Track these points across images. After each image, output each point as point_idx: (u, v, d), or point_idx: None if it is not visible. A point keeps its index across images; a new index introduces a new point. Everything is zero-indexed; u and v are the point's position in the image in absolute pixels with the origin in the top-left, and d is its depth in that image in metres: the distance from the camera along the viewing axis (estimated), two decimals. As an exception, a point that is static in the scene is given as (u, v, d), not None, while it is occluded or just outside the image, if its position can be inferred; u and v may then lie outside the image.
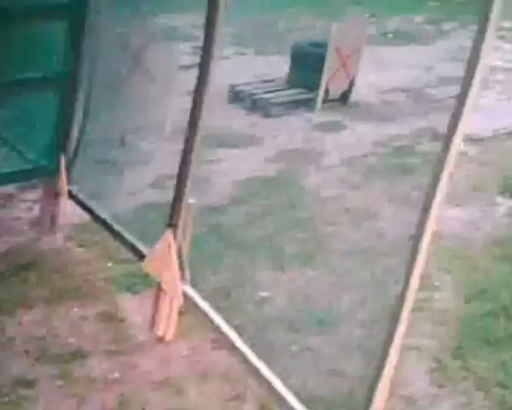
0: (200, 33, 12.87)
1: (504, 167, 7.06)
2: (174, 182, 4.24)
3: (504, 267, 5.18)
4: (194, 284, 4.16)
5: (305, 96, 9.00)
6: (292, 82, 9.30)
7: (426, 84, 10.31)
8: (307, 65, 9.00)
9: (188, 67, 10.88)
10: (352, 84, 9.16)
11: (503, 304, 4.75)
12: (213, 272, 4.97)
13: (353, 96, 9.46)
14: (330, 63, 8.77)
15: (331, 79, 8.87)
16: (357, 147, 7.70)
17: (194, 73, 10.13)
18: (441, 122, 7.92)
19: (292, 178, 6.85)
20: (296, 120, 8.67)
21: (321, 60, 8.75)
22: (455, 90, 8.06)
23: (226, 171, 7.07)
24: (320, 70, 8.73)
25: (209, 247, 5.20)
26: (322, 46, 8.91)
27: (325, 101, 9.08)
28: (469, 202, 6.28)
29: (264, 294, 4.83)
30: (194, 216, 4.05)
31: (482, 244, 5.53)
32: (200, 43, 13.06)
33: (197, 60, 11.43)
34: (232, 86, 9.32)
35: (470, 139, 7.83)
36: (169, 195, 4.29)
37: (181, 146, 7.47)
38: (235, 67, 11.08)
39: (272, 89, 9.22)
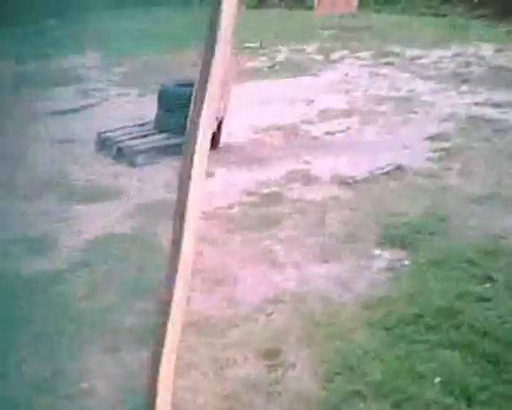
0: (91, 74, 12.18)
1: (382, 213, 6.50)
2: None
3: (376, 337, 4.51)
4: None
5: (172, 142, 8.43)
6: (160, 126, 8.74)
7: (304, 120, 9.96)
8: (174, 107, 8.44)
9: (61, 113, 10.41)
10: (220, 125, 8.67)
11: (374, 382, 4.06)
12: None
13: (226, 139, 9.00)
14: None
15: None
16: (223, 197, 7.18)
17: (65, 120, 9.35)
18: (315, 164, 7.60)
19: (146, 235, 6.24)
20: (162, 168, 8.10)
21: (188, 101, 8.17)
22: (332, 125, 7.72)
23: (78, 229, 6.43)
24: (188, 111, 8.17)
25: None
26: (189, 85, 8.36)
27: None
28: (341, 257, 5.69)
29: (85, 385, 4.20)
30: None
31: (352, 308, 4.90)
32: (89, 86, 12.34)
33: (79, 103, 10.68)
34: (99, 133, 8.70)
35: (343, 182, 7.46)
36: None
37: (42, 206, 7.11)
38: (113, 110, 10.50)
39: (140, 134, 8.65)
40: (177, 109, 8.29)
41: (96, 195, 7.34)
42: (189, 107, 7.97)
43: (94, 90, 11.92)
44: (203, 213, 6.73)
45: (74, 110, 10.57)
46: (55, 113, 10.44)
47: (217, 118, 8.52)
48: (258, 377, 4.19)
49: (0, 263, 5.76)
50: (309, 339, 4.56)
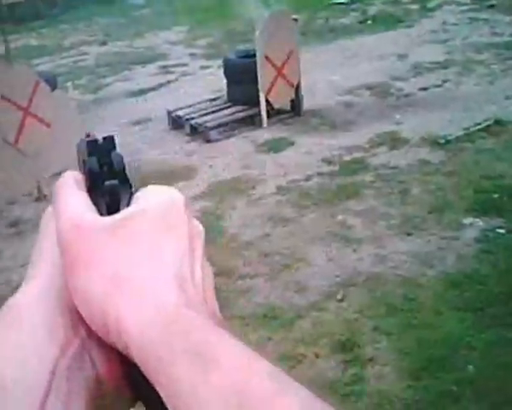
0: (174, 50, 11.96)
1: (476, 176, 5.67)
2: None
3: (465, 321, 3.77)
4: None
5: (246, 114, 7.89)
6: (232, 99, 8.20)
7: (395, 77, 9.12)
8: (242, 79, 7.88)
9: (140, 92, 10.13)
10: (298, 91, 8.02)
11: (467, 379, 3.38)
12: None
13: (310, 103, 8.36)
14: (263, 74, 7.63)
15: (270, 91, 7.75)
16: (301, 168, 6.57)
17: (144, 99, 9.01)
18: (405, 124, 6.82)
19: (214, 219, 5.75)
20: (238, 141, 7.59)
21: (254, 72, 7.62)
22: (426, 80, 6.89)
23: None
24: (256, 83, 7.61)
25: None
26: (251, 56, 7.79)
27: (272, 115, 8.00)
28: (426, 228, 4.98)
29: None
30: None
31: (437, 288, 4.18)
32: (170, 61, 12.15)
33: (159, 81, 10.36)
34: (173, 111, 8.29)
35: (434, 143, 6.65)
36: None
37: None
38: (192, 85, 10.09)
39: (212, 109, 8.14)
40: (246, 81, 7.76)
41: (168, 175, 6.91)
42: (256, 78, 7.47)
43: (175, 65, 11.54)
44: (277, 187, 6.18)
45: (153, 89, 10.23)
46: (133, 93, 10.16)
47: (292, 85, 7.91)
48: (332, 375, 3.61)
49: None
50: (387, 327, 3.91)
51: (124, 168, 0.52)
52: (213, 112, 8.03)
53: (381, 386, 3.49)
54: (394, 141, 6.93)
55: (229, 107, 8.09)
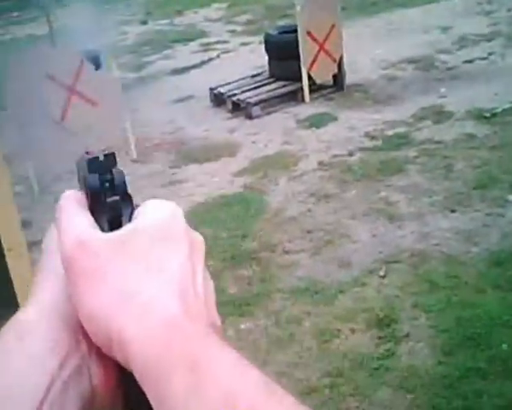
0: (214, 27, 11.95)
1: None
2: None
3: (507, 301, 3.73)
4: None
5: (288, 89, 7.88)
6: (274, 75, 8.18)
7: (440, 50, 8.98)
8: (284, 55, 7.85)
9: (182, 70, 10.17)
10: (340, 65, 7.97)
11: (499, 357, 3.36)
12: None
13: (353, 77, 8.31)
14: (305, 49, 7.59)
15: (312, 66, 7.71)
16: (344, 143, 6.54)
17: (186, 77, 9.05)
18: (449, 97, 6.73)
19: (258, 194, 5.78)
20: (281, 117, 7.59)
21: (295, 47, 7.59)
22: (471, 52, 6.77)
23: (188, 192, 6.09)
24: (298, 58, 7.58)
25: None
26: (293, 31, 7.74)
27: (315, 90, 7.97)
28: (470, 205, 4.92)
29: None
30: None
31: (480, 266, 4.14)
32: (211, 39, 12.13)
33: (200, 58, 10.33)
34: (214, 88, 8.32)
35: (480, 116, 6.54)
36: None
37: (154, 169, 6.90)
38: (233, 62, 10.09)
39: (254, 85, 8.14)
40: (287, 57, 7.73)
41: (211, 151, 6.97)
42: (298, 53, 7.44)
43: (216, 42, 11.56)
44: (319, 163, 6.17)
45: (194, 66, 10.27)
46: (175, 70, 10.21)
47: (334, 59, 7.85)
48: (365, 350, 3.63)
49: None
50: (427, 305, 3.90)
51: (125, 185, 0.53)
52: (255, 88, 8.03)
53: (412, 362, 3.49)
54: (438, 115, 6.85)
55: (270, 83, 8.08)
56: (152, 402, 0.44)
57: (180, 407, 0.42)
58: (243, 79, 8.45)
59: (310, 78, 7.76)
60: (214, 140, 7.26)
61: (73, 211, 0.51)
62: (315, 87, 7.95)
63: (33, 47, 9.00)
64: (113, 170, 0.53)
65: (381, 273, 4.26)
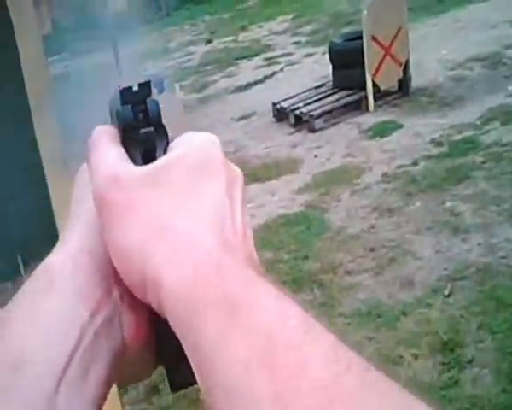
0: (279, 40, 11.96)
1: None
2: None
3: None
4: None
5: (352, 99, 7.70)
6: (338, 85, 8.02)
7: (507, 45, 8.59)
8: (348, 63, 7.68)
9: (245, 87, 10.14)
10: (406, 69, 7.73)
11: None
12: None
13: (418, 81, 8.05)
14: (370, 55, 7.39)
15: (377, 72, 7.50)
16: (408, 151, 6.32)
17: (249, 93, 9.07)
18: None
19: (319, 213, 5.64)
20: (344, 128, 7.42)
21: (360, 54, 7.40)
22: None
23: (248, 213, 6.00)
24: (363, 65, 7.39)
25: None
26: (358, 38, 7.56)
27: (379, 97, 7.76)
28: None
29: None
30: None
31: None
32: (275, 52, 12.17)
33: (264, 73, 10.34)
34: (276, 103, 8.25)
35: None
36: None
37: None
38: (297, 74, 10.01)
39: (317, 97, 8.01)
40: (352, 65, 7.56)
41: (272, 169, 6.88)
42: (362, 60, 7.26)
43: (280, 56, 11.48)
44: (383, 175, 5.98)
45: (258, 81, 10.22)
46: (239, 87, 10.20)
47: (400, 63, 7.63)
48: (428, 379, 3.43)
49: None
50: (494, 326, 3.66)
51: (159, 115, 0.50)
52: (318, 100, 7.90)
53: (475, 390, 3.27)
54: (507, 115, 6.52)
55: (334, 93, 7.93)
56: (186, 351, 0.41)
57: (215, 352, 0.39)
58: (306, 91, 8.33)
59: (374, 85, 7.56)
60: (276, 157, 7.18)
61: (105, 146, 0.49)
62: (379, 94, 7.75)
63: (98, 77, 9.19)
64: (148, 100, 0.50)
65: (446, 292, 4.04)
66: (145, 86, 0.50)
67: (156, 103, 0.50)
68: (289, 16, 14.38)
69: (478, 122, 6.52)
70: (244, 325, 0.39)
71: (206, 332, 0.40)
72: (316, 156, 6.92)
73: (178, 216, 0.45)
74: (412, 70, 7.90)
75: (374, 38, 7.36)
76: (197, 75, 11.77)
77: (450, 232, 4.68)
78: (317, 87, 8.39)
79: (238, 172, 0.51)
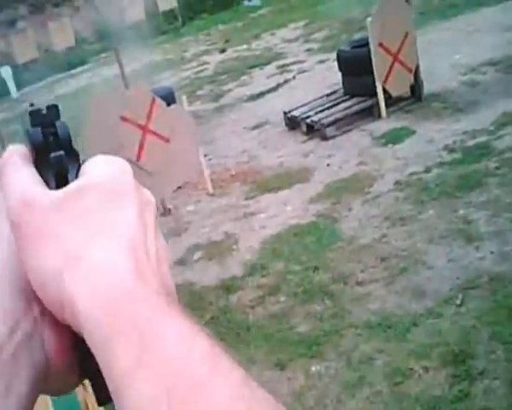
0: (291, 48, 11.95)
1: None
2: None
3: None
4: None
5: (364, 106, 7.65)
6: (349, 92, 7.97)
7: (522, 48, 8.50)
8: (357, 70, 7.65)
9: (258, 96, 10.12)
10: (417, 75, 7.66)
11: None
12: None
13: (431, 86, 7.98)
14: (378, 62, 7.34)
15: (387, 79, 7.45)
16: (421, 158, 6.25)
17: (262, 102, 9.05)
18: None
19: (331, 222, 5.60)
20: (356, 136, 7.38)
21: (369, 61, 7.36)
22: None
23: (261, 225, 5.99)
24: (372, 72, 7.35)
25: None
26: (365, 45, 7.51)
27: (391, 104, 7.70)
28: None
29: None
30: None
31: None
32: (287, 60, 12.16)
33: (276, 81, 10.32)
34: (288, 112, 8.22)
35: None
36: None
37: (229, 201, 6.82)
38: (309, 81, 9.99)
39: (328, 105, 7.97)
40: (361, 72, 7.52)
41: (285, 178, 6.85)
42: (371, 67, 7.21)
43: (292, 63, 11.47)
44: (395, 183, 5.92)
45: (270, 90, 10.21)
46: (252, 96, 10.19)
47: (410, 69, 7.57)
48: (439, 392, 3.38)
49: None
50: (505, 336, 3.59)
51: (70, 138, 0.50)
52: (329, 108, 7.86)
53: (486, 403, 3.21)
54: (521, 119, 6.44)
55: (345, 100, 7.89)
56: (101, 368, 0.42)
57: (123, 378, 0.40)
58: (317, 99, 8.31)
59: (385, 91, 7.51)
60: (288, 166, 7.15)
61: (17, 168, 0.48)
62: (391, 101, 7.69)
63: (109, 89, 9.23)
64: (57, 123, 0.50)
65: (458, 302, 3.98)
66: (53, 109, 0.50)
67: (65, 126, 0.50)
68: (301, 23, 14.36)
69: (491, 127, 6.45)
70: (151, 359, 0.39)
71: (116, 363, 0.40)
72: (328, 165, 6.88)
73: (90, 244, 0.44)
74: (424, 75, 7.83)
75: (381, 45, 7.30)
76: (212, 85, 11.79)
77: (463, 241, 4.62)
78: (328, 95, 8.36)
79: (149, 196, 0.50)
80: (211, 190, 7.06)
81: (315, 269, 4.95)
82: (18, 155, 0.49)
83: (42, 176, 0.48)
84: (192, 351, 0.40)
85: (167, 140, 6.78)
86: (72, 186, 0.47)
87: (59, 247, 0.44)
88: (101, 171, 0.48)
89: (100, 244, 0.44)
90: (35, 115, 0.50)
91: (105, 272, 0.43)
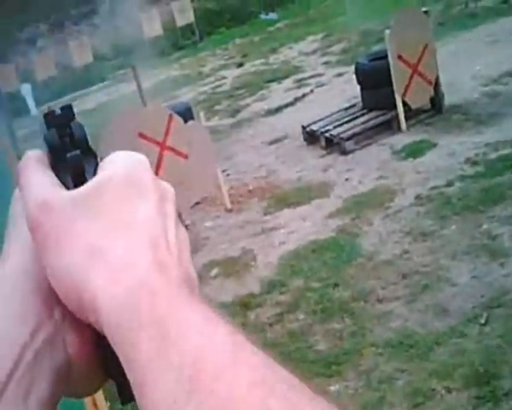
0: (309, 61, 11.90)
1: None
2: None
3: None
4: None
5: (383, 119, 7.55)
6: (367, 105, 7.88)
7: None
8: (375, 83, 7.56)
9: (276, 110, 10.06)
10: (437, 87, 7.55)
11: None
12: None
13: (451, 98, 7.87)
14: (397, 74, 7.25)
15: (406, 91, 7.35)
16: (443, 172, 6.14)
17: (280, 116, 8.99)
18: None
19: (351, 238, 5.49)
20: (376, 150, 7.28)
21: (387, 74, 7.26)
22: None
23: (280, 240, 5.90)
24: (391, 85, 7.25)
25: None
26: (383, 57, 7.42)
27: (411, 116, 7.59)
28: None
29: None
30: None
31: None
32: (305, 74, 12.11)
33: (294, 95, 10.29)
34: (306, 126, 8.14)
35: None
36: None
37: (247, 217, 6.74)
38: (327, 95, 9.92)
39: (347, 118, 7.88)
40: (380, 84, 7.43)
41: (303, 194, 6.76)
42: (390, 80, 7.11)
43: (310, 77, 11.40)
44: (416, 197, 5.81)
45: (288, 104, 10.14)
46: (270, 111, 10.13)
47: (429, 81, 7.47)
48: (462, 414, 3.26)
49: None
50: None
51: (85, 138, 0.50)
52: (348, 121, 7.77)
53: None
54: (545, 130, 6.31)
55: (364, 114, 7.80)
56: (122, 363, 0.42)
57: (145, 370, 0.40)
58: (336, 112, 8.22)
59: (405, 104, 7.41)
60: (307, 181, 7.06)
61: (35, 171, 0.49)
62: (411, 113, 7.59)
63: (127, 106, 9.21)
64: (72, 124, 0.50)
65: (482, 321, 3.86)
66: (67, 110, 0.50)
67: (81, 126, 0.49)
68: (319, 36, 14.30)
69: (515, 139, 6.32)
70: (172, 350, 0.39)
71: (138, 356, 0.40)
72: (347, 179, 6.78)
73: (110, 238, 0.44)
74: (445, 87, 7.73)
75: (400, 57, 7.21)
76: (230, 100, 11.75)
77: (488, 257, 4.50)
78: (346, 108, 8.27)
79: (168, 186, 0.50)
80: (229, 206, 6.99)
81: (334, 286, 4.85)
82: (35, 158, 0.50)
83: (59, 178, 0.48)
84: (213, 340, 0.40)
85: (185, 156, 6.73)
86: (89, 184, 0.47)
87: (79, 244, 0.44)
88: (119, 166, 0.48)
89: (119, 238, 0.44)
90: (50, 117, 0.50)
91: (126, 266, 0.43)
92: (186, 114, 7.19)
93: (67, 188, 0.47)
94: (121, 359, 0.42)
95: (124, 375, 0.42)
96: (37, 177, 0.48)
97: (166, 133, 6.61)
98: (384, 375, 3.75)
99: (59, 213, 0.45)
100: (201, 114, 7.12)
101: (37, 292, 0.47)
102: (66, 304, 0.45)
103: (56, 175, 0.49)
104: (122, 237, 0.45)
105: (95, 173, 0.48)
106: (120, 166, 0.48)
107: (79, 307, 0.44)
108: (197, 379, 0.38)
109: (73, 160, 0.48)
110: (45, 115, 0.50)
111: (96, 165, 0.49)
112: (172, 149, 6.68)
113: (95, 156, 0.50)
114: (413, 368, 3.72)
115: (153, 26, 19.20)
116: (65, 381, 0.46)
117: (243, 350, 0.40)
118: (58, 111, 0.50)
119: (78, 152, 0.48)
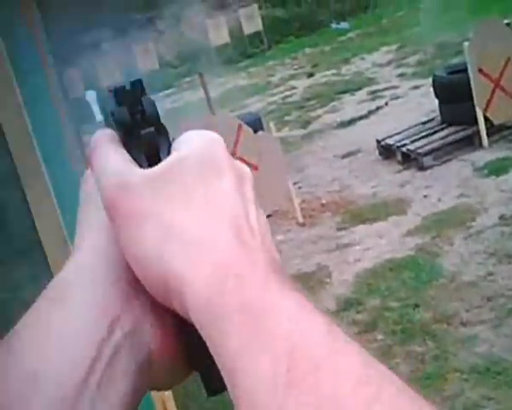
0: (383, 72, 11.77)
1: None
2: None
3: None
4: None
5: (463, 135, 7.33)
6: (446, 120, 7.67)
7: None
8: (455, 97, 7.34)
9: (348, 123, 9.92)
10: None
11: None
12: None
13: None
14: (478, 88, 7.02)
15: (488, 106, 7.11)
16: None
17: (353, 129, 8.92)
18: None
19: (430, 257, 5.33)
20: (456, 166, 7.06)
21: (468, 88, 7.05)
22: None
23: (355, 257, 5.78)
24: (471, 99, 7.03)
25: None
26: (463, 71, 7.21)
27: (493, 132, 7.34)
28: None
29: None
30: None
31: None
32: (379, 86, 11.99)
33: (368, 108, 10.17)
34: (382, 140, 7.99)
35: None
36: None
37: (320, 232, 6.63)
38: (402, 109, 9.74)
39: (425, 133, 7.69)
40: (460, 98, 7.21)
41: (378, 211, 6.61)
42: (470, 94, 6.89)
43: (384, 89, 11.21)
44: (500, 217, 5.61)
45: (362, 117, 9.99)
46: (342, 123, 10.00)
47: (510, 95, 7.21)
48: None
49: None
50: None
51: (157, 114, 0.47)
52: (426, 136, 7.58)
53: None
54: None
55: (443, 129, 7.59)
56: (211, 351, 0.40)
57: (237, 357, 0.38)
58: (413, 127, 8.04)
59: (487, 119, 7.18)
60: (383, 197, 6.90)
61: (108, 150, 0.47)
62: (493, 129, 7.34)
63: (193, 114, 9.24)
64: (143, 99, 0.47)
65: None
66: (137, 84, 0.48)
67: (152, 102, 0.47)
68: (393, 47, 14.08)
69: None
70: (266, 337, 0.37)
71: (227, 342, 0.38)
72: (425, 196, 6.59)
73: (193, 217, 0.43)
74: (528, 102, 7.45)
75: (480, 71, 6.98)
76: (300, 111, 11.67)
77: None
78: (424, 123, 8.07)
79: (246, 169, 0.48)
80: (301, 220, 6.89)
81: (415, 307, 4.69)
82: (106, 137, 0.48)
83: (132, 157, 0.46)
84: (308, 330, 0.38)
85: (255, 167, 6.67)
86: (166, 162, 0.45)
87: (158, 224, 0.43)
88: (194, 145, 0.46)
89: (202, 217, 0.43)
90: (119, 93, 0.47)
91: (209, 248, 0.41)
92: (256, 125, 7.15)
93: (141, 167, 0.45)
94: (209, 344, 0.40)
95: (209, 366, 0.40)
96: (111, 155, 0.46)
97: (236, 143, 6.56)
98: (470, 402, 3.60)
99: (136, 192, 0.44)
100: (271, 124, 7.06)
101: (115, 282, 0.45)
102: (150, 290, 0.43)
103: (129, 153, 0.46)
104: (203, 216, 0.43)
105: (169, 153, 0.46)
106: (196, 145, 0.47)
107: (164, 292, 0.42)
108: (295, 370, 0.36)
109: (148, 137, 0.46)
110: (115, 91, 0.47)
111: (169, 144, 0.47)
112: (242, 160, 6.55)
113: (167, 134, 0.48)
114: (501, 396, 3.55)
115: (220, 34, 19.25)
116: (147, 376, 0.45)
117: (341, 342, 0.37)
118: (127, 86, 0.48)
119: (152, 129, 0.46)
